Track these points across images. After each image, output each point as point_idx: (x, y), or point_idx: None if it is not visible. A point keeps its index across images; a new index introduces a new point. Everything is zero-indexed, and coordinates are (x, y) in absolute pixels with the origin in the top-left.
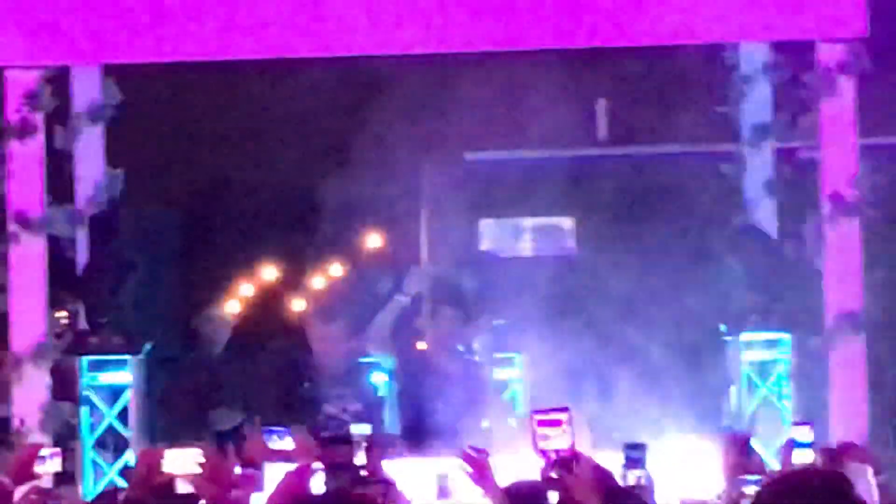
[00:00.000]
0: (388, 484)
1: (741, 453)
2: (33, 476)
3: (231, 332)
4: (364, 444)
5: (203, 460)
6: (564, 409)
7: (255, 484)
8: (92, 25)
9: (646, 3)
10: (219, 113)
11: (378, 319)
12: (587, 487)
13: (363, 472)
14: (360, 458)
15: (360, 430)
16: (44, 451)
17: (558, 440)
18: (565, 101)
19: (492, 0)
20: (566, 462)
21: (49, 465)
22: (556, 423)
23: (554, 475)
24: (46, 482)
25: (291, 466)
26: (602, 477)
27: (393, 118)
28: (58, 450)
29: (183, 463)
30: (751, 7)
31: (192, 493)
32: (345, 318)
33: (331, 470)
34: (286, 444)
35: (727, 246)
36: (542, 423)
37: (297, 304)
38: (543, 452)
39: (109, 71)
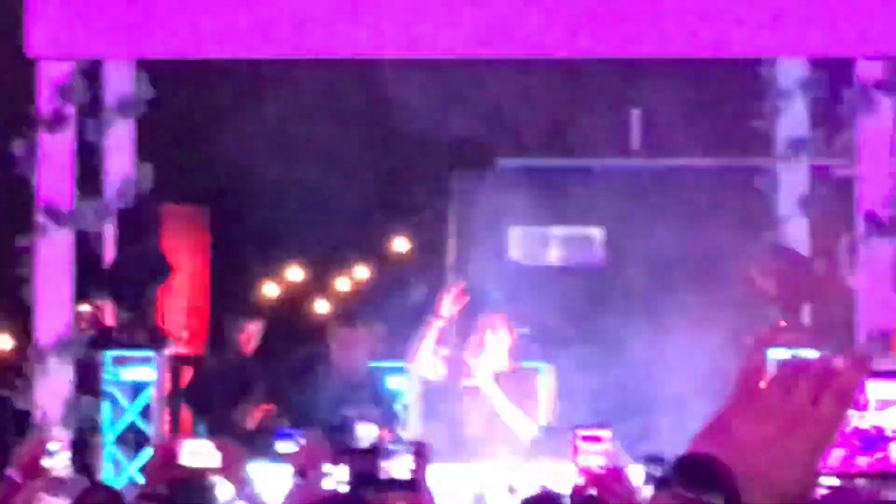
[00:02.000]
0: (419, 492)
1: None
2: (41, 470)
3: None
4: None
5: (221, 454)
6: (607, 426)
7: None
8: (126, 20)
9: (685, 16)
10: (248, 111)
11: (418, 340)
12: None
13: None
14: (399, 466)
15: (368, 432)
16: (51, 446)
17: (598, 457)
18: (599, 111)
19: (536, 8)
20: (605, 480)
21: (57, 460)
22: (597, 439)
23: (592, 493)
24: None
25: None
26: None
27: (423, 121)
28: (66, 444)
29: (201, 456)
30: (789, 22)
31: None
32: (367, 323)
33: (355, 477)
34: (295, 446)
35: (758, 262)
36: (584, 439)
37: (321, 307)
38: (584, 469)
39: (142, 65)
